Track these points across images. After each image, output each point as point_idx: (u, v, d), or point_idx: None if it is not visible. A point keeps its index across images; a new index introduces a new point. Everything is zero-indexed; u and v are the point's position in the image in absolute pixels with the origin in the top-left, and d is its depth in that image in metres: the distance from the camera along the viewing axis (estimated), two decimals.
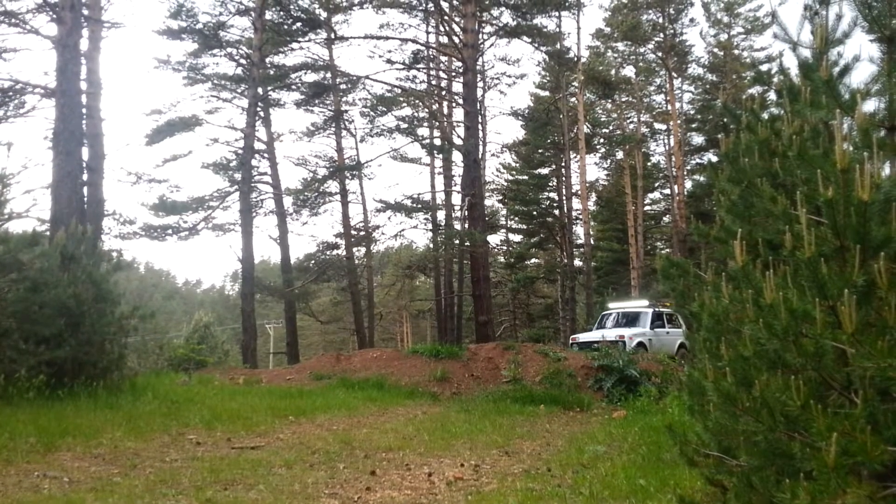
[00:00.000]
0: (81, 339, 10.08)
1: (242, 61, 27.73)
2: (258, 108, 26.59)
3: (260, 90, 25.97)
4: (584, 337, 20.82)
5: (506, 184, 42.98)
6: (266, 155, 29.91)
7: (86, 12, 17.26)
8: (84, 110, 16.93)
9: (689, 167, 40.52)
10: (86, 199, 16.81)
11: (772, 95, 5.39)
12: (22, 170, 18.39)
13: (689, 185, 39.23)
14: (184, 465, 6.71)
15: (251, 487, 5.91)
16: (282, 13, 26.83)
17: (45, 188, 16.86)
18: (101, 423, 8.29)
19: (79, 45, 16.56)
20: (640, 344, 18.99)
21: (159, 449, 7.46)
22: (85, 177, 16.70)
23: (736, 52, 39.36)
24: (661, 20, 37.22)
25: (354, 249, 33.09)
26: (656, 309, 21.04)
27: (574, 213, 38.42)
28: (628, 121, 42.91)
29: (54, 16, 16.90)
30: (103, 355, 10.62)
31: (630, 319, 20.93)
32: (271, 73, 28.11)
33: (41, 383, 9.06)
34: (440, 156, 32.21)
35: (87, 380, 9.89)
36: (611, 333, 19.71)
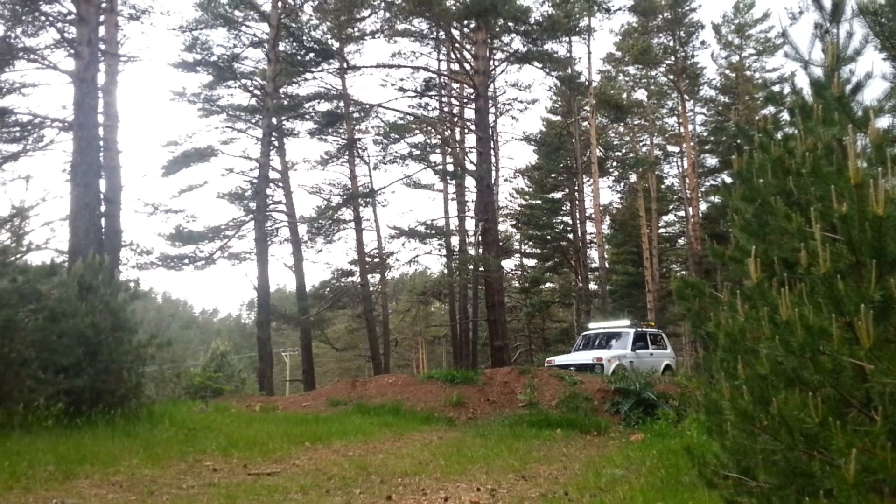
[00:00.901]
0: (99, 367, 10.12)
1: (256, 92, 28.04)
2: (272, 138, 26.82)
3: (274, 120, 26.22)
4: (560, 360, 19.94)
5: (519, 208, 43.01)
6: (281, 184, 30.12)
7: (102, 47, 17.54)
8: (101, 143, 17.15)
9: (703, 189, 40.42)
10: (103, 230, 16.97)
11: (785, 115, 5.41)
12: (40, 202, 18.64)
13: (703, 206, 39.12)
14: (200, 491, 6.70)
15: None
16: (295, 44, 27.17)
17: (63, 220, 17.10)
18: (118, 450, 8.31)
19: (96, 79, 16.84)
20: (620, 367, 17.94)
21: (176, 476, 7.45)
22: (102, 208, 16.87)
23: (748, 73, 39.39)
24: (671, 43, 37.34)
25: (369, 276, 33.12)
26: (639, 329, 20.32)
27: (588, 237, 38.36)
28: (641, 144, 42.93)
29: (72, 51, 17.22)
30: (121, 384, 10.66)
31: (610, 340, 20.04)
32: (285, 103, 28.41)
33: (60, 412, 9.10)
34: (453, 182, 32.33)
35: (104, 408, 9.93)
36: (587, 356, 18.93)
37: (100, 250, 13.92)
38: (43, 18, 19.26)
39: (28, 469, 6.94)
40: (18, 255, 10.60)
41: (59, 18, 18.96)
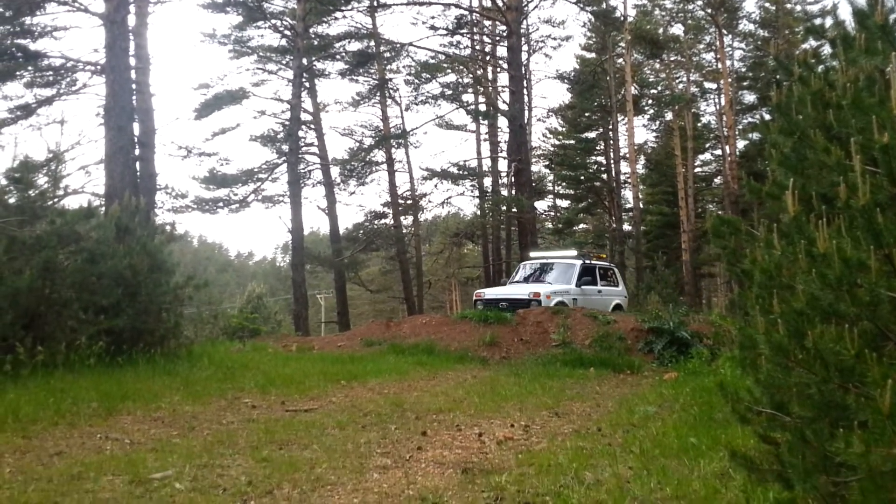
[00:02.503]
0: (138, 308, 10.31)
1: (287, 32, 27.82)
2: (303, 79, 26.70)
3: (305, 61, 26.06)
4: (491, 293, 18.00)
5: (552, 149, 42.57)
6: (312, 126, 30.14)
7: None
8: (134, 86, 17.23)
9: (740, 127, 39.52)
10: (138, 173, 17.16)
11: (826, 49, 5.23)
12: (76, 146, 18.81)
13: (741, 144, 38.32)
14: (240, 426, 6.88)
15: (305, 447, 6.05)
16: None
17: (99, 163, 17.30)
18: (159, 388, 8.53)
19: (126, 21, 16.82)
20: (561, 304, 16.34)
21: (216, 412, 7.65)
22: (137, 151, 17.03)
23: (788, 6, 38.09)
24: None
25: (402, 218, 33.25)
26: (587, 262, 18.31)
27: (622, 177, 37.97)
28: (677, 80, 41.97)
29: None
30: (160, 324, 10.88)
31: (552, 273, 18.10)
32: (315, 43, 28.17)
33: (101, 351, 9.32)
34: (485, 122, 32.06)
35: (145, 347, 10.16)
36: (523, 290, 17.07)
37: (135, 193, 14.09)
38: None
39: (72, 406, 7.17)
40: (56, 199, 10.77)
41: None
